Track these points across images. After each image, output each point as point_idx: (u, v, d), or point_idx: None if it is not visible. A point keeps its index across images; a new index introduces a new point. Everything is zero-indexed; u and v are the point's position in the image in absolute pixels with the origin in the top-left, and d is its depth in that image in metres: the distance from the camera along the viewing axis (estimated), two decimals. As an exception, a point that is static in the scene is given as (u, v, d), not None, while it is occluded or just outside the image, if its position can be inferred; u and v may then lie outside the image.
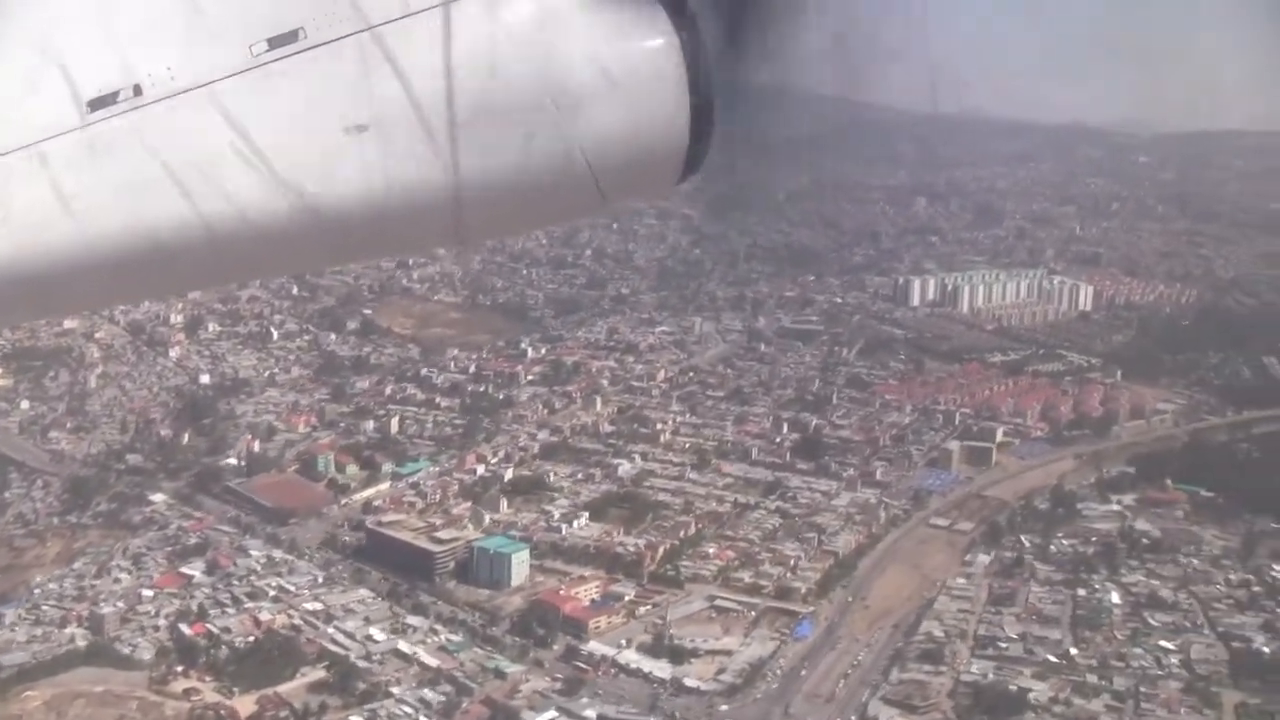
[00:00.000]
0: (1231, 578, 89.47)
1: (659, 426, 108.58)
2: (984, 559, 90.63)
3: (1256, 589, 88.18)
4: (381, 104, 4.64)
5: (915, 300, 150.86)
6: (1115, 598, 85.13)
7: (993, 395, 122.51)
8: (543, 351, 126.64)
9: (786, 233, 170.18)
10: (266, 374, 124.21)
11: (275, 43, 4.63)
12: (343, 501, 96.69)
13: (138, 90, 4.65)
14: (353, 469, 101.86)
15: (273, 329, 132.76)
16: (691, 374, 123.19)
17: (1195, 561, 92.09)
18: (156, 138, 4.65)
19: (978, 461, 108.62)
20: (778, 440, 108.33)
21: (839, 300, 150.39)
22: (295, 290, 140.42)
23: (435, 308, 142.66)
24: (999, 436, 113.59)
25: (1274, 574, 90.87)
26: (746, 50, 5.14)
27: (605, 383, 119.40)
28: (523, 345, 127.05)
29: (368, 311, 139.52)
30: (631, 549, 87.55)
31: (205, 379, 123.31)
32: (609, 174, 4.84)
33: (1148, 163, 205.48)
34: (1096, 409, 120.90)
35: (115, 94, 4.65)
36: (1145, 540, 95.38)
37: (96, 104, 4.65)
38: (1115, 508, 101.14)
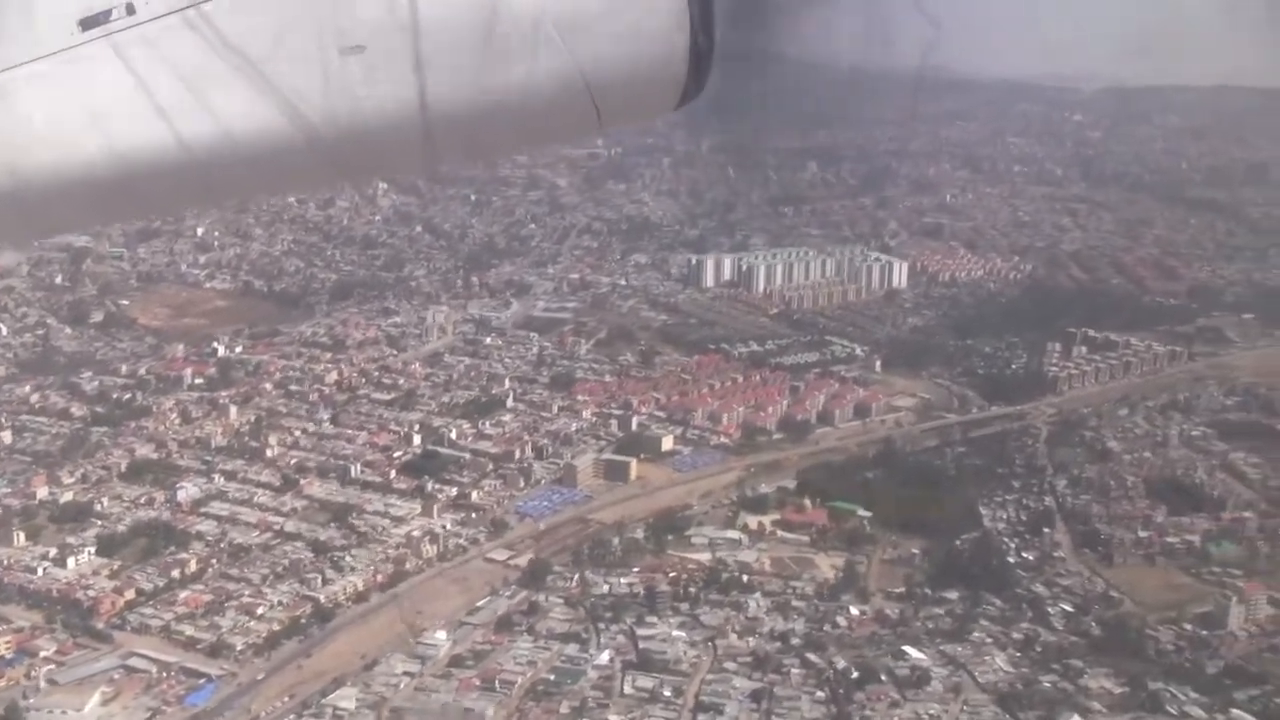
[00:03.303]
0: (779, 627, 77.65)
1: (271, 440, 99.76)
2: (504, 603, 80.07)
3: (795, 641, 76.23)
4: (378, 24, 4.54)
5: (709, 281, 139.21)
6: (604, 658, 74.00)
7: (706, 393, 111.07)
8: (238, 350, 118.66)
9: (642, 204, 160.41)
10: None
11: None
12: None
13: (130, 9, 4.61)
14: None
15: (1, 325, 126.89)
16: (377, 374, 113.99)
17: (763, 604, 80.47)
18: (149, 57, 4.59)
19: (614, 476, 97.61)
20: (396, 455, 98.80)
21: (622, 283, 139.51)
22: (59, 279, 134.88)
23: (202, 295, 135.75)
24: (667, 444, 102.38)
25: (840, 619, 78.80)
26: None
27: (269, 385, 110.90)
28: (214, 344, 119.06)
29: (124, 302, 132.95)
30: (94, 594, 79.29)
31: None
32: (607, 94, 4.76)
33: (1080, 121, 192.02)
34: (812, 408, 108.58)
35: (108, 12, 4.62)
36: (727, 575, 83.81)
37: (89, 23, 4.62)
38: (731, 535, 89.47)
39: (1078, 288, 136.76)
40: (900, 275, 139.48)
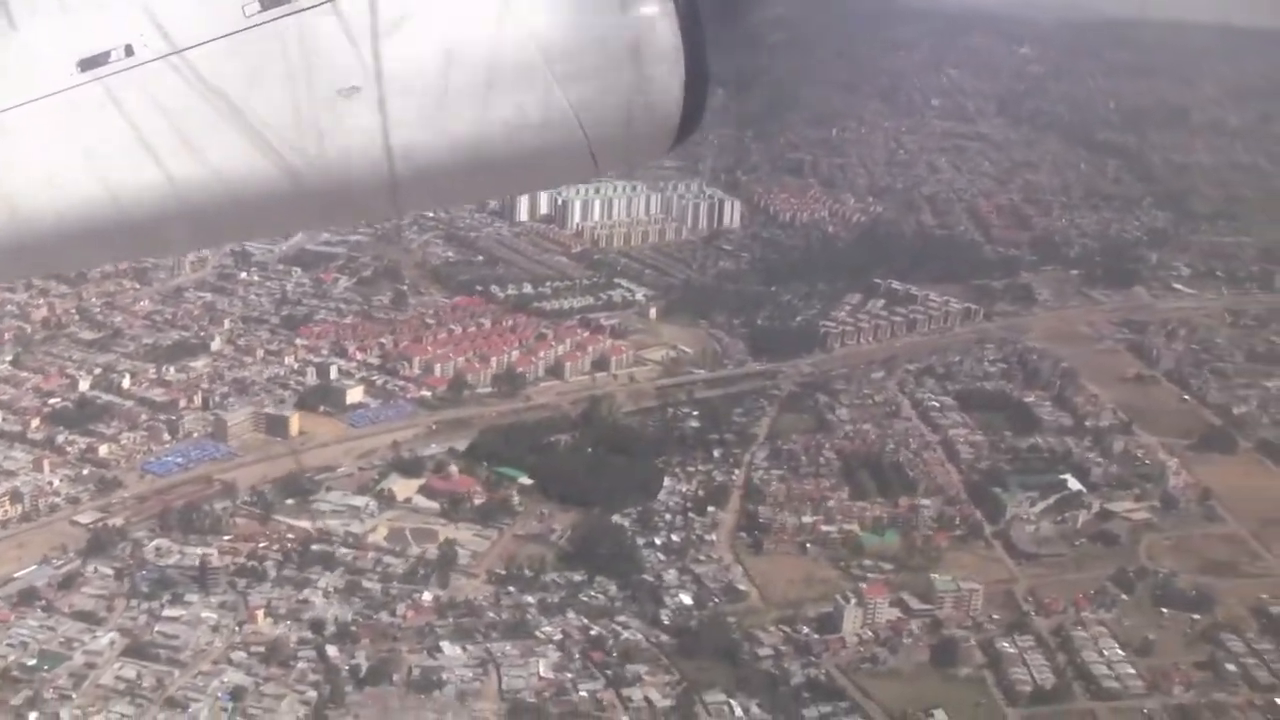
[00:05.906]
0: (326, 614, 69.22)
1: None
2: (48, 573, 72.51)
3: (329, 630, 67.73)
4: (374, 66, 4.51)
5: (523, 215, 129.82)
6: (104, 641, 66.21)
7: (439, 340, 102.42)
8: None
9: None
10: None
11: (268, 3, 4.49)
12: None
13: (129, 50, 4.54)
14: None
15: None
16: (97, 310, 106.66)
17: (332, 584, 72.20)
18: (148, 97, 4.54)
19: (274, 431, 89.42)
20: (52, 401, 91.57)
21: (429, 214, 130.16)
22: None
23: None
24: (354, 396, 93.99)
25: (403, 605, 70.17)
26: None
27: (9, 336, 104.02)
28: None
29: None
30: None
31: None
32: (602, 138, 4.71)
33: (1025, 54, 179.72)
34: (543, 360, 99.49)
35: (106, 54, 4.56)
36: (320, 548, 75.49)
37: (88, 64, 4.57)
38: (356, 501, 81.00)
39: (919, 233, 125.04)
40: (732, 214, 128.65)
